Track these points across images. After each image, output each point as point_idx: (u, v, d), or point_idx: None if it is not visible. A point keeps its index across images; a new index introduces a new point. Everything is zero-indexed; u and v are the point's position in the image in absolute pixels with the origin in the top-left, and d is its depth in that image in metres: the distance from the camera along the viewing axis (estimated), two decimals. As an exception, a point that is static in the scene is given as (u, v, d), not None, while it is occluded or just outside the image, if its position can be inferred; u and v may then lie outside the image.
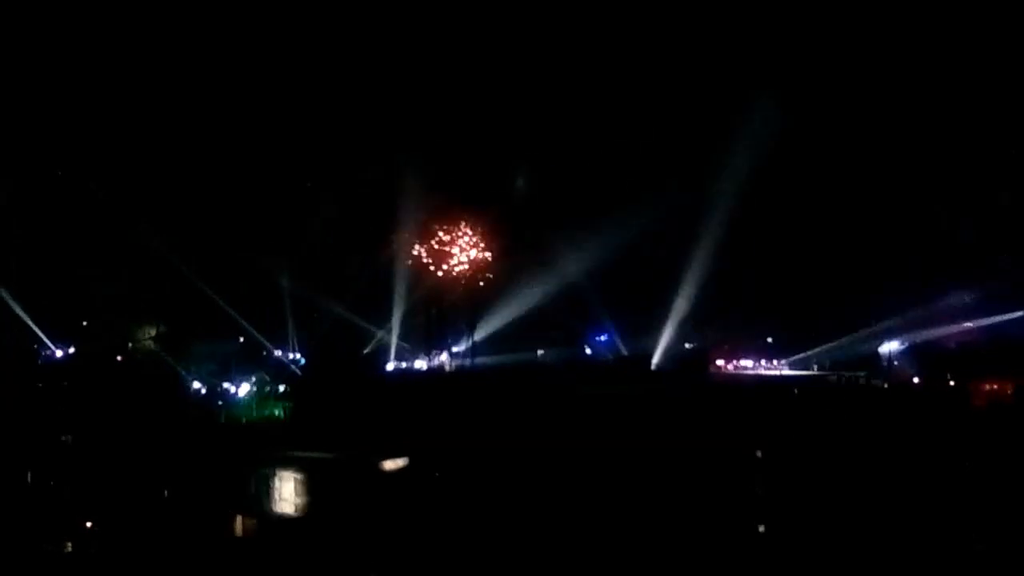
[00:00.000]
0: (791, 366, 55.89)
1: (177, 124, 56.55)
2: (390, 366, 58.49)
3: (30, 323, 54.24)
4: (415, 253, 59.46)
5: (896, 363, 51.37)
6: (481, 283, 59.40)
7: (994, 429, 38.57)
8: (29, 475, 38.92)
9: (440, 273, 59.48)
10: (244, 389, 50.71)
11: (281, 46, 54.91)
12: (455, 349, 60.53)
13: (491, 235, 59.63)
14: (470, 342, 59.38)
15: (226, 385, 51.15)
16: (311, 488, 36.25)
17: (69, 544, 35.15)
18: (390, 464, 37.05)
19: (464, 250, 59.57)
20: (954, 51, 50.18)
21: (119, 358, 56.51)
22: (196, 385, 50.83)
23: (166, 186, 57.81)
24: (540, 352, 59.23)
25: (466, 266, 59.48)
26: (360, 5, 54.73)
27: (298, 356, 57.85)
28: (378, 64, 55.62)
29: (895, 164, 52.87)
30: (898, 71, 51.61)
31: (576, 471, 34.94)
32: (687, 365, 53.81)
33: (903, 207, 53.20)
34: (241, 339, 56.88)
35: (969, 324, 51.97)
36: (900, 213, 53.37)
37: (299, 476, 36.75)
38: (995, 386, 44.15)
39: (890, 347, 52.22)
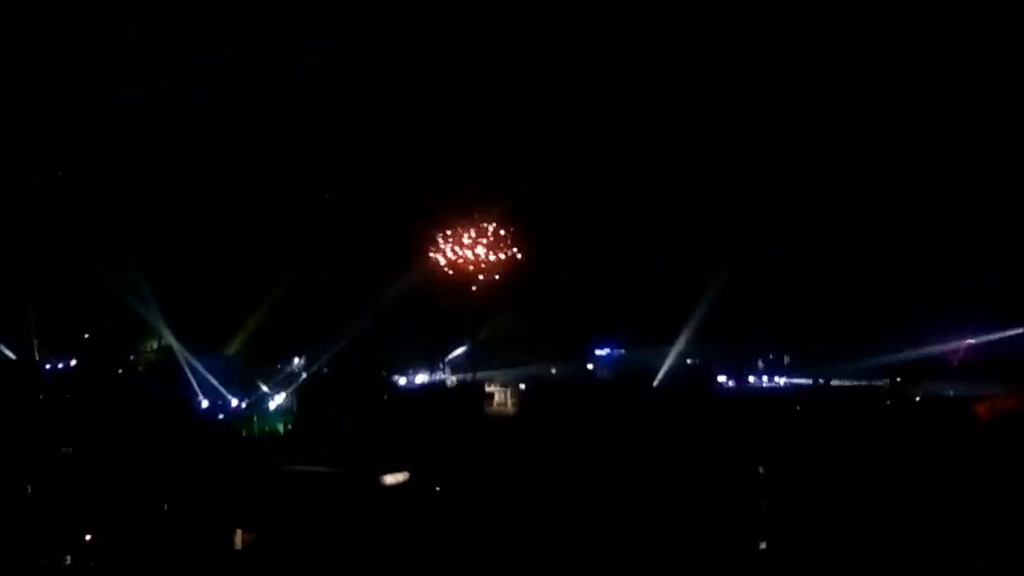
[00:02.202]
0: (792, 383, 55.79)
1: (183, 129, 56.50)
2: (394, 380, 58.41)
3: (32, 334, 54.35)
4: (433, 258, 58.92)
5: (899, 379, 51.35)
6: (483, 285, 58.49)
7: (1001, 445, 38.49)
8: (29, 487, 38.81)
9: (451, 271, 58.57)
10: (246, 402, 50.74)
11: (285, 50, 54.83)
12: (456, 362, 60.37)
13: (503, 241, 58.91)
14: (472, 356, 59.22)
15: (228, 398, 51.18)
16: (312, 503, 36.16)
17: (68, 558, 35.00)
18: (391, 479, 37.05)
19: (475, 256, 58.78)
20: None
21: (121, 371, 56.51)
22: (198, 398, 50.79)
23: (171, 195, 57.86)
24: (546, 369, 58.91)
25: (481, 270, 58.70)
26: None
27: (301, 370, 57.80)
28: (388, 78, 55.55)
29: (900, 180, 52.65)
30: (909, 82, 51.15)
31: (576, 489, 34.90)
32: (689, 382, 53.69)
33: (908, 222, 53.01)
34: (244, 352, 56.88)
35: (971, 340, 51.94)
36: (906, 229, 53.21)
37: (300, 490, 36.72)
38: (999, 402, 44.04)
39: (894, 363, 52.18)
